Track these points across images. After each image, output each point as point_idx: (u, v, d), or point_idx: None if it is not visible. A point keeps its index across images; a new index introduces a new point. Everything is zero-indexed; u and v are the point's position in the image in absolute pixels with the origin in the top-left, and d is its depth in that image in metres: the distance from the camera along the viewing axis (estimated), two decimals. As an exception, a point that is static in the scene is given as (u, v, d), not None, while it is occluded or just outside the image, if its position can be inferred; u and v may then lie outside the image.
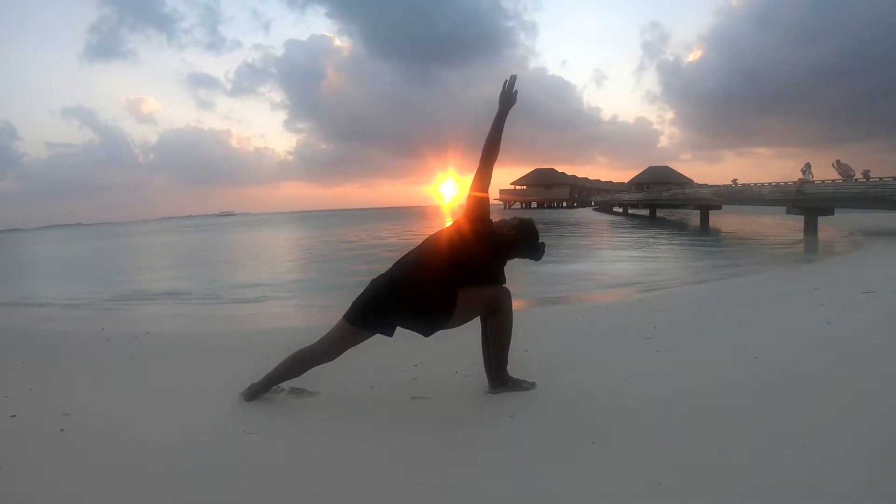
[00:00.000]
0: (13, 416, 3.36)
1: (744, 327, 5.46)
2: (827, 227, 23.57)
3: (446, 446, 2.72)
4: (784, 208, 24.68)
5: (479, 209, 3.34)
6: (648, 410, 3.01)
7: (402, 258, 3.38)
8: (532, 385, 3.44)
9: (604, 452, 2.51)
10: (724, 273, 12.29)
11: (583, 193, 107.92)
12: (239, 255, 26.99)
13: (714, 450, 2.45)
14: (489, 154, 3.37)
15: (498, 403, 3.24)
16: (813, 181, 24.95)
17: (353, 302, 3.31)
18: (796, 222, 24.25)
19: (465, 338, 3.63)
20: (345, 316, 3.30)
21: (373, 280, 3.35)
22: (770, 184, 28.83)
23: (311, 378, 3.52)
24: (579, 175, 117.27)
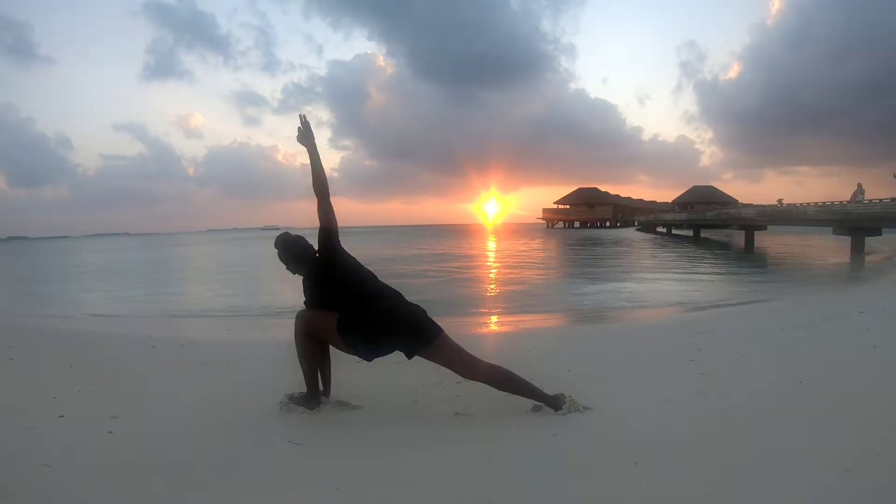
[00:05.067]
0: (61, 416, 3.45)
1: (788, 351, 5.33)
2: (875, 247, 22.98)
3: (489, 462, 2.69)
4: (830, 228, 24.12)
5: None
6: (691, 433, 2.97)
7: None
8: (572, 406, 3.36)
9: (646, 474, 2.47)
10: (769, 295, 12.01)
11: (626, 213, 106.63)
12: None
13: (757, 473, 2.42)
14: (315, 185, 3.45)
15: (541, 422, 3.20)
16: (864, 202, 24.32)
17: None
18: (843, 243, 23.63)
19: (509, 356, 3.61)
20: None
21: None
22: (816, 203, 28.21)
23: (355, 392, 3.57)
24: (622, 194, 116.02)
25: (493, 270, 22.68)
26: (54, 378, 4.65)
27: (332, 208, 3.41)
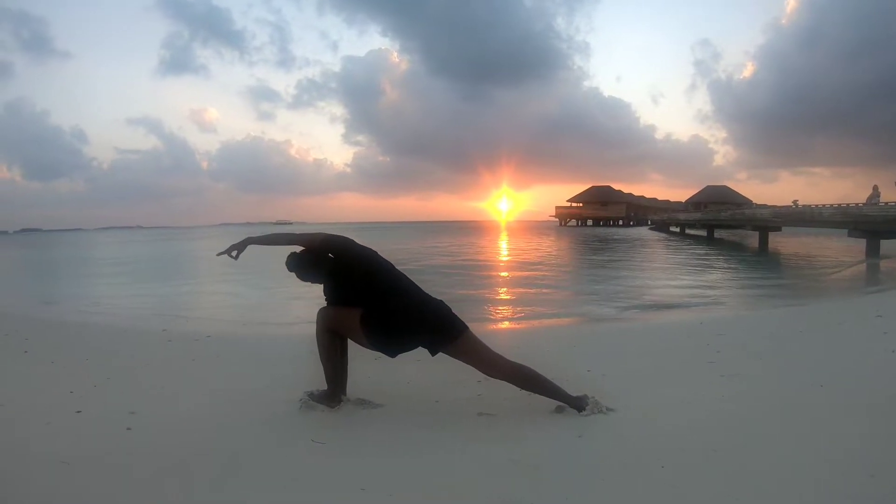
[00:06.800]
0: (78, 411, 3.44)
1: (807, 354, 5.25)
2: (891, 250, 22.77)
3: (512, 463, 2.64)
4: (846, 230, 23.91)
5: None
6: (715, 436, 2.92)
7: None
8: (595, 407, 3.32)
9: (673, 477, 2.43)
10: (784, 297, 11.91)
11: (639, 212, 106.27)
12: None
13: (779, 477, 2.38)
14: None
15: (565, 423, 3.15)
16: (880, 204, 24.08)
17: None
18: (858, 245, 23.42)
19: (527, 354, 3.57)
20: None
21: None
22: (831, 205, 27.97)
23: (376, 390, 3.53)
24: (634, 193, 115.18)
25: (508, 271, 22.59)
26: (70, 372, 4.66)
27: (308, 236, 3.40)
